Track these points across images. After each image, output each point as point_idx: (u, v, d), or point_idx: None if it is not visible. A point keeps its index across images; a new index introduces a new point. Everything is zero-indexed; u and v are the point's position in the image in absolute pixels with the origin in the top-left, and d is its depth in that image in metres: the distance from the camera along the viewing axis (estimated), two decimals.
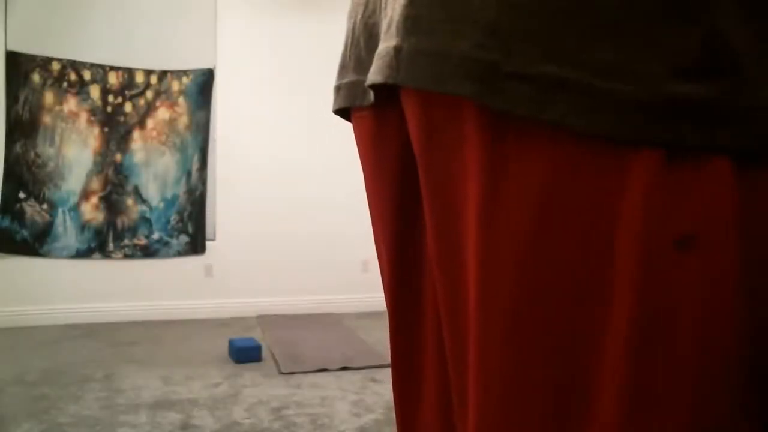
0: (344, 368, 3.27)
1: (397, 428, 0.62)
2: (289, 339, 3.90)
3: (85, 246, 4.36)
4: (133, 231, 4.47)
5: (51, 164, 4.26)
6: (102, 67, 4.36)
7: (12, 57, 4.15)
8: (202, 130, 4.61)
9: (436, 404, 0.56)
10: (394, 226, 0.57)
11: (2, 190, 4.14)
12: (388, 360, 3.44)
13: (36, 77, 4.21)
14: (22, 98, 4.18)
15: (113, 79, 4.39)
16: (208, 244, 4.66)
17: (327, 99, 4.40)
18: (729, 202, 0.35)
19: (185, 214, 4.58)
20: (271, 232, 4.75)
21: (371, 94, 0.52)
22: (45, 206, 4.26)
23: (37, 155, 4.23)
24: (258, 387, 2.97)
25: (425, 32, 0.41)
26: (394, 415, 2.55)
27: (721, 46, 0.35)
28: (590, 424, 0.37)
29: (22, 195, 4.20)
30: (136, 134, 4.47)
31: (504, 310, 0.40)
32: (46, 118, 4.25)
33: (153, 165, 4.51)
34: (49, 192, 4.27)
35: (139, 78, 4.45)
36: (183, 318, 4.53)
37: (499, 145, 0.39)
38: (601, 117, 0.35)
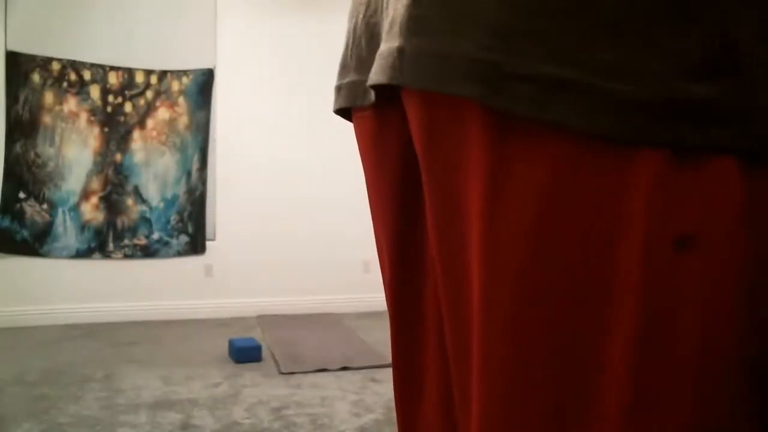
0: (344, 368, 3.27)
1: (398, 427, 0.62)
2: (289, 339, 3.90)
3: (85, 246, 4.36)
4: (133, 231, 4.47)
5: (51, 164, 4.26)
6: (102, 67, 4.36)
7: (12, 57, 4.15)
8: (202, 130, 4.61)
9: (437, 403, 0.56)
10: (396, 225, 0.57)
11: (2, 190, 4.15)
12: (388, 360, 3.44)
13: (36, 77, 4.21)
14: (22, 98, 4.18)
15: (113, 79, 4.39)
16: (208, 244, 4.66)
17: (327, 99, 4.39)
18: (732, 202, 0.35)
19: (185, 214, 4.58)
20: (271, 232, 4.75)
21: (372, 94, 0.53)
22: (45, 206, 4.26)
23: (37, 155, 4.23)
24: (258, 387, 2.97)
25: (428, 33, 0.41)
26: (394, 415, 2.56)
27: (722, 46, 0.35)
28: (592, 423, 0.38)
29: (22, 195, 4.20)
30: (136, 134, 4.47)
31: (506, 309, 0.40)
32: (46, 118, 4.25)
33: (153, 165, 4.51)
34: (49, 192, 4.27)
35: (139, 78, 4.45)
36: (183, 318, 4.53)
37: (501, 145, 0.39)
38: (603, 117, 0.35)
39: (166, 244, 4.54)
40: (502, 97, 0.37)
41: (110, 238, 4.42)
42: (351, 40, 0.58)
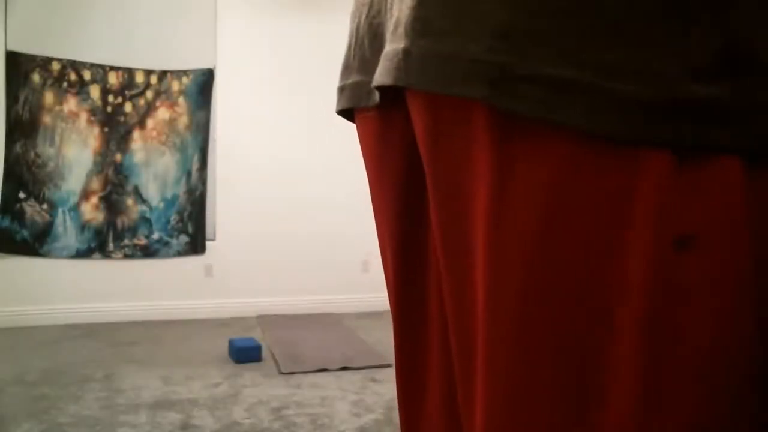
0: (344, 368, 3.27)
1: (401, 428, 0.62)
2: (289, 339, 3.90)
3: (85, 246, 4.36)
4: (133, 231, 4.47)
5: (51, 164, 4.26)
6: (102, 67, 4.36)
7: (12, 57, 4.15)
8: (202, 130, 4.61)
9: (441, 404, 0.56)
10: (399, 226, 0.57)
11: (2, 190, 4.14)
12: (388, 360, 3.46)
13: (36, 77, 4.21)
14: (22, 98, 4.18)
15: (113, 79, 4.39)
16: (208, 244, 4.66)
17: (327, 99, 4.40)
18: (735, 202, 0.35)
19: (185, 214, 4.58)
20: (271, 232, 4.75)
21: (376, 95, 0.53)
22: (45, 206, 4.26)
23: (37, 155, 4.23)
24: (258, 387, 2.97)
25: (435, 34, 0.41)
26: (394, 415, 2.56)
27: (723, 46, 0.35)
28: (598, 424, 0.38)
29: (22, 195, 4.20)
30: (136, 134, 4.47)
31: (511, 309, 0.40)
32: (46, 118, 4.25)
33: (153, 165, 4.51)
34: (49, 192, 4.26)
35: (139, 78, 4.45)
36: (183, 318, 4.53)
37: (507, 146, 0.39)
38: (605, 117, 0.35)
39: (166, 244, 4.54)
40: (507, 98, 0.37)
41: (110, 238, 4.42)
42: (354, 41, 0.58)
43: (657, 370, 0.36)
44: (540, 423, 0.40)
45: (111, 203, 4.42)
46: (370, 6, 0.54)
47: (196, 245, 4.62)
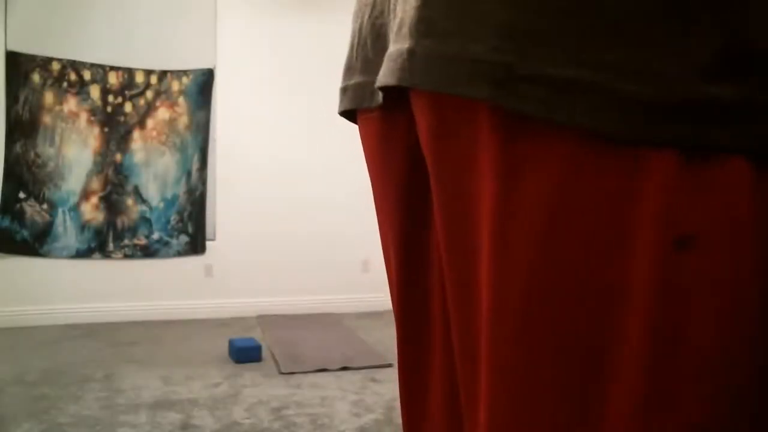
0: (344, 368, 3.27)
1: (404, 428, 0.62)
2: (289, 339, 3.90)
3: (85, 246, 4.36)
4: (133, 231, 4.47)
5: (51, 164, 4.26)
6: (102, 67, 4.36)
7: (12, 57, 4.15)
8: (202, 130, 4.61)
9: (443, 404, 0.56)
10: (402, 226, 0.57)
11: (2, 190, 4.14)
12: (388, 360, 3.46)
13: (36, 77, 4.21)
14: (22, 98, 4.18)
15: (113, 79, 4.39)
16: (208, 244, 4.66)
17: (327, 99, 4.39)
18: (742, 202, 0.35)
19: (185, 214, 4.58)
20: (271, 232, 4.75)
21: (379, 96, 0.52)
22: (45, 206, 4.25)
23: (37, 155, 4.23)
24: (258, 387, 2.97)
25: (439, 35, 0.41)
26: (394, 415, 2.55)
27: (725, 45, 0.35)
28: (600, 423, 0.38)
29: (22, 195, 4.20)
30: (136, 134, 4.47)
31: (516, 310, 0.40)
32: (46, 118, 4.24)
33: (153, 165, 4.51)
34: (49, 192, 4.26)
35: (139, 78, 4.45)
36: (183, 318, 4.53)
37: (512, 146, 0.39)
38: (608, 116, 0.35)
39: (166, 244, 4.54)
40: (512, 98, 0.37)
41: (110, 238, 4.42)
42: (356, 41, 0.58)
43: (659, 371, 0.36)
44: (543, 423, 0.40)
45: (111, 203, 4.42)
46: (373, 6, 0.54)
47: (196, 245, 4.62)
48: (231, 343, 3.49)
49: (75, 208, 4.32)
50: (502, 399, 0.41)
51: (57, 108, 4.26)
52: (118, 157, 4.43)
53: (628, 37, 0.35)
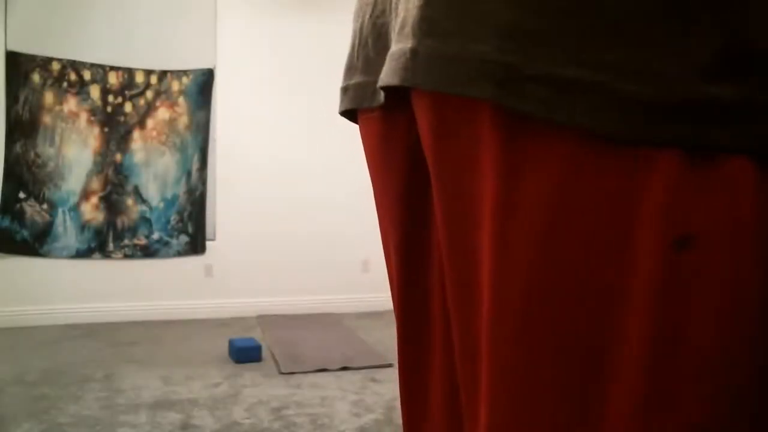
0: (344, 368, 3.27)
1: (404, 428, 0.62)
2: (289, 339, 3.90)
3: (85, 246, 4.35)
4: (133, 231, 4.47)
5: (51, 164, 4.26)
6: (102, 67, 4.36)
7: (12, 57, 4.15)
8: (202, 130, 4.61)
9: (443, 403, 0.56)
10: (402, 226, 0.57)
11: (2, 190, 4.14)
12: (388, 360, 3.45)
13: (36, 77, 4.21)
14: (22, 98, 4.18)
15: (113, 79, 4.39)
16: (208, 244, 4.66)
17: (327, 99, 4.39)
18: (744, 202, 0.35)
19: (185, 214, 4.58)
20: (271, 232, 4.75)
21: (381, 96, 0.52)
22: (45, 206, 4.25)
23: (37, 155, 4.23)
24: (258, 387, 2.97)
25: (443, 34, 0.41)
26: (394, 415, 2.55)
27: (725, 45, 0.35)
28: (601, 424, 0.38)
29: (22, 195, 4.20)
30: (136, 134, 4.47)
31: (516, 309, 0.40)
32: (46, 118, 4.24)
33: (153, 165, 4.51)
34: (49, 192, 4.26)
35: (139, 78, 4.45)
36: (183, 318, 4.53)
37: (513, 146, 0.39)
38: (612, 117, 0.35)
39: (166, 244, 4.54)
40: (513, 97, 0.37)
41: (110, 238, 4.42)
42: (357, 41, 0.58)
43: (659, 370, 0.36)
44: (543, 422, 0.40)
45: (111, 203, 4.42)
46: (374, 5, 0.54)
47: (196, 245, 4.62)
48: (231, 343, 3.49)
49: (75, 208, 4.32)
50: (503, 399, 0.41)
51: (57, 108, 4.26)
52: (118, 157, 4.43)
53: (628, 37, 0.35)
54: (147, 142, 4.48)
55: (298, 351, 3.59)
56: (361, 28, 0.57)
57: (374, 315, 4.68)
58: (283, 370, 3.21)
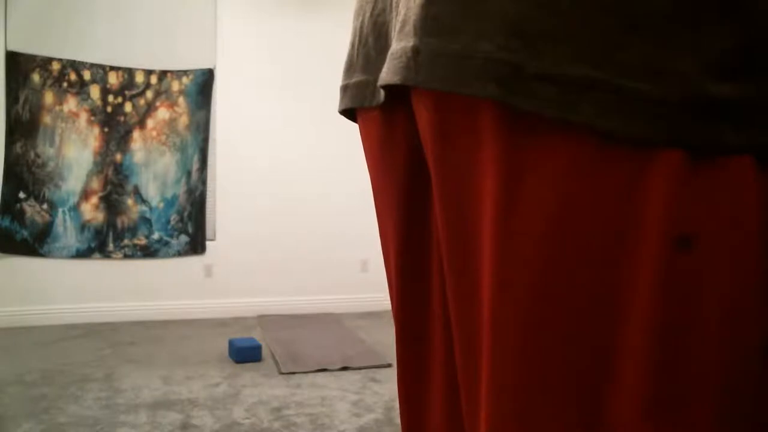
0: (344, 368, 3.27)
1: (403, 428, 0.62)
2: (289, 339, 3.89)
3: (85, 246, 4.35)
4: (133, 231, 4.47)
5: (51, 164, 4.26)
6: (102, 67, 4.35)
7: (12, 57, 4.15)
8: (202, 130, 4.61)
9: (443, 405, 0.56)
10: (402, 226, 0.57)
11: (2, 190, 4.14)
12: (388, 360, 3.45)
13: (36, 77, 4.21)
14: (22, 98, 4.18)
15: (113, 79, 4.39)
16: (208, 244, 4.66)
17: (327, 99, 4.39)
18: (749, 202, 0.35)
19: (185, 214, 4.58)
20: (271, 232, 4.75)
21: (381, 95, 0.52)
22: (45, 206, 4.25)
23: (37, 155, 4.23)
24: (258, 387, 2.97)
25: (445, 33, 0.40)
26: (394, 415, 2.55)
27: (739, 46, 0.35)
28: (603, 425, 0.37)
29: (22, 195, 4.20)
30: (136, 134, 4.46)
31: (518, 310, 0.40)
32: (46, 118, 4.24)
33: (153, 165, 4.51)
34: (49, 192, 4.26)
35: (139, 78, 4.45)
36: (183, 318, 4.53)
37: (516, 146, 0.39)
38: (621, 116, 0.35)
39: (166, 244, 4.54)
40: (519, 96, 0.37)
41: (110, 238, 4.41)
42: (357, 40, 0.57)
43: (663, 371, 0.36)
44: (544, 423, 0.40)
45: (111, 203, 4.41)
46: (375, 4, 0.54)
47: (196, 245, 4.62)
48: (231, 343, 3.49)
49: (75, 208, 4.32)
50: (504, 400, 0.41)
51: (57, 108, 4.26)
52: (118, 157, 4.42)
53: (640, 36, 0.35)
54: (147, 142, 4.48)
55: (298, 351, 3.59)
56: (361, 27, 0.57)
57: (374, 315, 4.68)
58: (283, 370, 3.21)
